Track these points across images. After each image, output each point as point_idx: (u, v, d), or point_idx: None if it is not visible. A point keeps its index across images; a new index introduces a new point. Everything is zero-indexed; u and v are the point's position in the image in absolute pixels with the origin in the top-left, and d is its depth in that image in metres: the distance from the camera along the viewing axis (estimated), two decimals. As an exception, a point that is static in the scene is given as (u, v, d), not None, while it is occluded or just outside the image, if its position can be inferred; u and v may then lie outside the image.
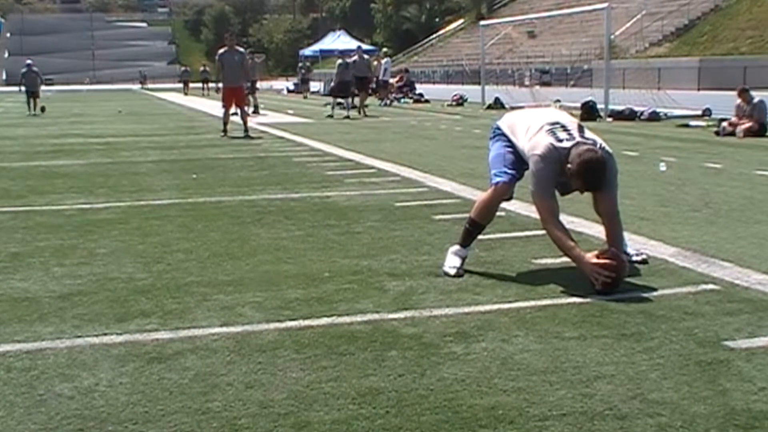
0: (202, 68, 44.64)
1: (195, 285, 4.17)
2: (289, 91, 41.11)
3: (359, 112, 20.09)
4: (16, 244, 5.27)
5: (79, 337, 3.37)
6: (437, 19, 70.17)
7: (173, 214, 6.35)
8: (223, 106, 14.71)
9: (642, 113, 16.45)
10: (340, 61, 21.74)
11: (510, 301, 3.80)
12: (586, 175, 4.03)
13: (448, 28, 65.59)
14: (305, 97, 32.54)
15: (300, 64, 38.11)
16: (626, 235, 4.58)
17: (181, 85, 44.47)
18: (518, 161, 4.36)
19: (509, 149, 4.41)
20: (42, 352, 3.20)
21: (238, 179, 8.41)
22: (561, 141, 4.14)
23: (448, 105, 24.43)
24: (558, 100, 18.94)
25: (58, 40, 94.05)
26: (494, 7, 61.60)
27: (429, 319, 3.54)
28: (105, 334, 3.40)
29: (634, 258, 4.45)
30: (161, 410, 2.63)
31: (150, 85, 61.05)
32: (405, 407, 2.63)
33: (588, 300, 3.79)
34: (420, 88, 31.30)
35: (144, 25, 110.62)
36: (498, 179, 4.36)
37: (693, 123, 15.18)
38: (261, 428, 2.50)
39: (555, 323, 3.47)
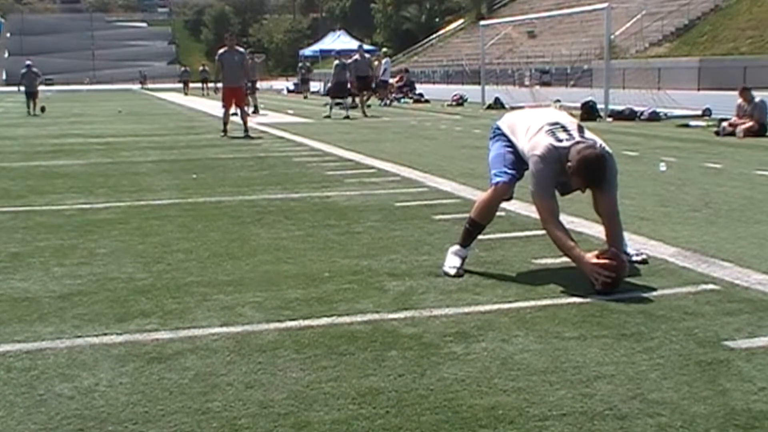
0: (201, 68, 44.65)
1: (195, 285, 4.17)
2: (289, 91, 41.11)
3: (363, 112, 20.01)
4: (16, 244, 5.27)
5: (79, 337, 3.37)
6: (437, 19, 70.18)
7: (173, 214, 6.35)
8: (223, 106, 14.72)
9: (642, 113, 16.45)
10: (337, 62, 21.72)
11: (510, 301, 3.80)
12: (585, 171, 4.03)
13: (448, 28, 65.60)
14: (305, 97, 32.53)
15: (300, 64, 38.13)
16: (626, 235, 4.58)
17: (181, 85, 44.49)
18: (518, 161, 4.36)
19: (509, 149, 4.41)
20: (42, 352, 3.20)
21: (238, 179, 8.41)
22: (561, 141, 4.14)
23: (448, 105, 24.43)
24: (558, 100, 18.94)
25: (58, 40, 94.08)
26: (494, 7, 61.61)
27: (429, 319, 3.54)
28: (105, 334, 3.40)
29: (634, 258, 4.45)
30: (161, 410, 2.63)
31: (150, 85, 61.08)
32: (405, 407, 2.63)
33: (588, 300, 3.79)
34: (420, 88, 31.31)
35: (144, 25, 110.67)
36: (498, 179, 4.36)
37: (693, 123, 15.18)
38: (261, 428, 2.50)
39: (555, 323, 3.47)
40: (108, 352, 3.18)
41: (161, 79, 70.86)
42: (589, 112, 16.72)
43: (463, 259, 4.39)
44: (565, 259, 4.18)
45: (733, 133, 12.45)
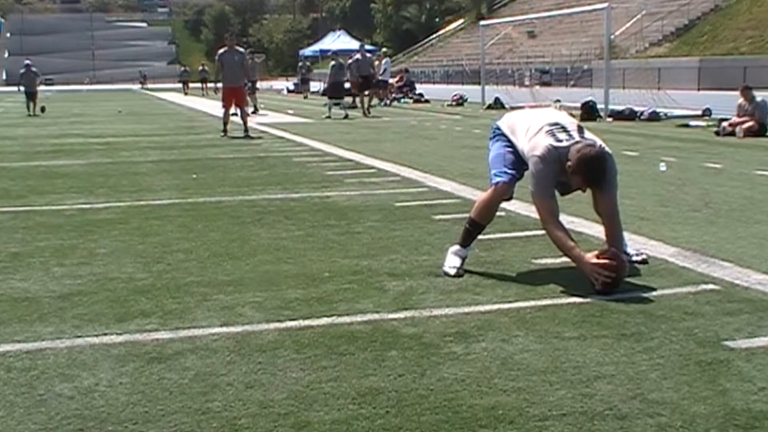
0: (201, 68, 44.67)
1: (195, 285, 4.17)
2: (289, 91, 41.11)
3: (368, 112, 19.93)
4: (16, 244, 5.27)
5: (79, 337, 3.37)
6: (437, 19, 70.19)
7: (173, 214, 6.35)
8: (223, 106, 14.72)
9: (642, 113, 16.45)
10: (333, 62, 21.69)
11: (510, 301, 3.80)
12: (585, 169, 4.03)
13: (448, 28, 65.61)
14: (305, 97, 32.53)
15: (300, 64, 38.13)
16: (626, 235, 4.59)
17: (180, 85, 44.49)
18: (518, 161, 4.36)
19: (509, 149, 4.41)
20: (42, 352, 3.20)
21: (238, 179, 8.41)
22: (560, 141, 4.14)
23: (448, 105, 24.43)
24: (558, 100, 18.94)
25: (58, 40, 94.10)
26: (494, 7, 61.62)
27: (429, 319, 3.54)
28: (105, 334, 3.40)
29: (634, 258, 4.45)
30: (161, 410, 2.64)
31: (150, 85, 61.08)
32: (405, 407, 2.63)
33: (588, 300, 3.79)
34: (420, 88, 31.30)
35: (144, 25, 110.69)
36: (498, 179, 4.36)
37: (693, 123, 15.18)
38: (261, 428, 2.50)
39: (555, 323, 3.47)
40: (108, 352, 3.18)
41: (161, 79, 70.88)
42: (589, 112, 16.72)
43: (463, 259, 4.39)
44: (565, 259, 4.18)
45: (733, 133, 12.44)
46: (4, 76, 78.67)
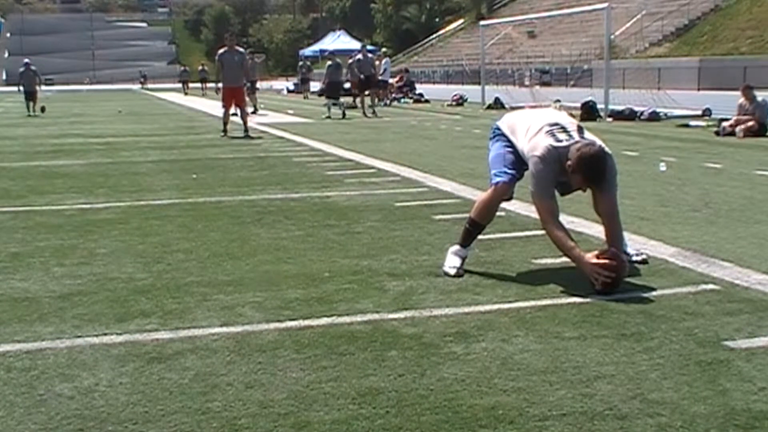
0: (200, 68, 44.68)
1: (195, 285, 4.17)
2: (289, 91, 41.10)
3: (373, 112, 19.89)
4: (16, 244, 5.27)
5: (79, 337, 3.37)
6: (437, 19, 70.18)
7: (173, 214, 6.35)
8: (223, 106, 14.72)
9: (642, 113, 16.45)
10: (330, 62, 21.66)
11: (510, 301, 3.80)
12: (585, 168, 4.03)
13: (448, 28, 65.61)
14: (305, 97, 32.51)
15: (300, 64, 38.08)
16: (626, 235, 4.59)
17: (180, 85, 44.50)
18: (518, 161, 4.36)
19: (509, 149, 4.41)
20: (42, 352, 3.20)
21: (238, 179, 8.41)
22: (560, 141, 4.14)
23: (448, 105, 24.43)
24: (558, 100, 18.94)
25: (58, 40, 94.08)
26: (494, 7, 61.61)
27: (429, 319, 3.54)
28: (105, 334, 3.40)
29: (634, 258, 4.45)
30: (161, 410, 2.64)
31: (150, 85, 61.07)
32: (405, 407, 2.63)
33: (588, 300, 3.79)
34: (420, 88, 31.30)
35: (144, 25, 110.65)
36: (498, 179, 4.36)
37: (693, 123, 15.18)
38: (261, 428, 2.50)
39: (555, 323, 3.47)
40: (108, 352, 3.18)
41: (161, 79, 70.88)
42: (589, 112, 16.72)
43: (463, 259, 4.39)
44: (565, 259, 4.18)
45: (733, 133, 12.43)
46: (4, 76, 78.67)
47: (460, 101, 24.75)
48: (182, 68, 49.43)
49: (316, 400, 2.69)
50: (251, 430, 2.49)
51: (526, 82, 32.54)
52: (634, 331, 3.34)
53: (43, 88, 27.03)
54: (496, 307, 3.72)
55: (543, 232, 4.32)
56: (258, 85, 25.54)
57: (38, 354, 3.18)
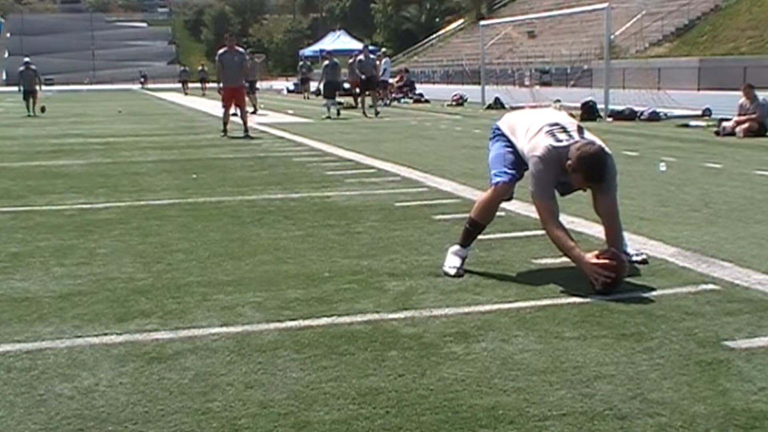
0: (200, 68, 44.69)
1: (195, 285, 4.17)
2: (289, 91, 41.09)
3: (375, 113, 19.88)
4: (16, 244, 5.27)
5: (79, 337, 3.37)
6: (437, 19, 70.20)
7: (173, 214, 6.35)
8: (223, 106, 14.73)
9: (642, 113, 16.45)
10: (326, 61, 21.65)
11: (510, 301, 3.80)
12: (585, 166, 4.03)
13: (448, 28, 65.62)
14: (306, 98, 32.50)
15: (300, 64, 38.08)
16: (626, 235, 4.59)
17: (180, 85, 44.52)
18: (518, 161, 4.36)
19: (509, 149, 4.41)
20: (42, 352, 3.20)
21: (238, 179, 8.41)
22: (560, 141, 4.14)
23: (448, 105, 24.43)
24: (558, 100, 18.94)
25: (58, 40, 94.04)
26: (494, 7, 61.64)
27: (429, 319, 3.54)
28: (105, 334, 3.40)
29: (634, 258, 4.45)
30: (161, 410, 2.64)
31: (150, 85, 61.06)
32: (405, 407, 2.63)
33: (588, 300, 3.79)
34: (420, 88, 31.31)
35: (144, 25, 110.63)
36: (498, 179, 4.36)
37: (693, 123, 15.18)
38: (261, 428, 2.50)
39: (555, 323, 3.47)
40: (108, 352, 3.18)
41: (161, 79, 70.87)
42: (589, 112, 16.72)
43: (463, 259, 4.39)
44: (565, 259, 4.18)
45: (733, 133, 12.43)
46: (4, 76, 78.68)
47: (460, 101, 24.75)
48: (182, 68, 49.44)
49: (316, 400, 2.69)
50: (251, 430, 2.49)
51: (526, 82, 32.56)
52: (634, 331, 3.34)
53: (44, 88, 26.97)
54: (496, 307, 3.72)
55: (543, 232, 4.32)
56: (258, 85, 25.52)
57: (38, 354, 3.18)
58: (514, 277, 4.25)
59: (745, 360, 3.01)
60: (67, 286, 4.17)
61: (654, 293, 3.89)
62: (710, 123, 14.57)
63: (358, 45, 40.84)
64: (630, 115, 16.51)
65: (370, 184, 7.91)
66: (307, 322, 3.51)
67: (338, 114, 19.25)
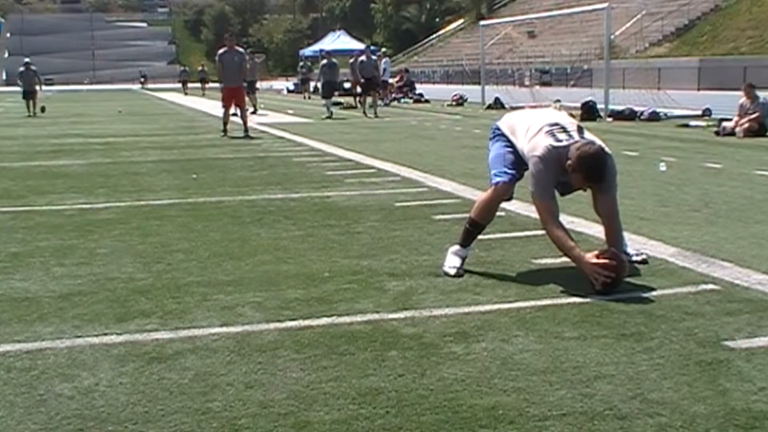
0: (200, 68, 44.68)
1: (195, 285, 4.17)
2: (289, 91, 41.09)
3: (375, 113, 19.88)
4: (16, 244, 5.27)
5: (79, 337, 3.37)
6: (437, 19, 70.20)
7: (173, 214, 6.35)
8: (223, 106, 14.73)
9: (642, 113, 16.45)
10: (324, 60, 21.63)
11: (510, 301, 3.80)
12: (585, 166, 4.03)
13: (448, 28, 65.61)
14: (307, 98, 32.49)
15: (301, 64, 38.10)
16: (626, 235, 4.59)
17: (180, 85, 44.53)
18: (518, 161, 4.36)
19: (509, 149, 4.41)
20: (42, 352, 3.20)
21: (238, 179, 8.41)
22: (560, 141, 4.14)
23: (448, 105, 24.43)
24: (558, 100, 18.94)
25: (58, 40, 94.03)
26: (494, 7, 61.64)
27: (429, 319, 3.54)
28: (105, 334, 3.40)
29: (634, 258, 4.45)
30: (161, 410, 2.64)
31: (150, 85, 61.06)
32: (405, 407, 2.63)
33: (588, 300, 3.79)
34: (420, 88, 31.32)
35: (144, 25, 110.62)
36: (498, 179, 4.36)
37: (693, 123, 15.18)
38: (261, 428, 2.50)
39: (555, 323, 3.47)
40: (108, 352, 3.18)
41: (161, 79, 70.87)
42: (589, 112, 16.72)
43: (463, 259, 4.39)
44: (565, 259, 4.18)
45: (733, 133, 12.43)
46: (4, 76, 78.68)
47: (460, 101, 24.75)
48: (182, 68, 49.44)
49: (316, 400, 2.69)
50: (251, 430, 2.49)
51: (526, 82, 32.56)
52: (634, 331, 3.34)
53: (44, 88, 26.94)
54: (496, 307, 3.72)
55: (543, 232, 4.32)
56: (258, 85, 25.51)
57: (38, 354, 3.18)
58: (514, 277, 4.25)
59: (745, 360, 3.01)
60: (67, 286, 4.17)
61: (654, 293, 3.89)
62: (710, 123, 14.57)
63: (357, 45, 40.82)
64: (630, 115, 16.52)
65: (370, 184, 7.91)
66: (307, 322, 3.52)
67: (330, 115, 19.24)
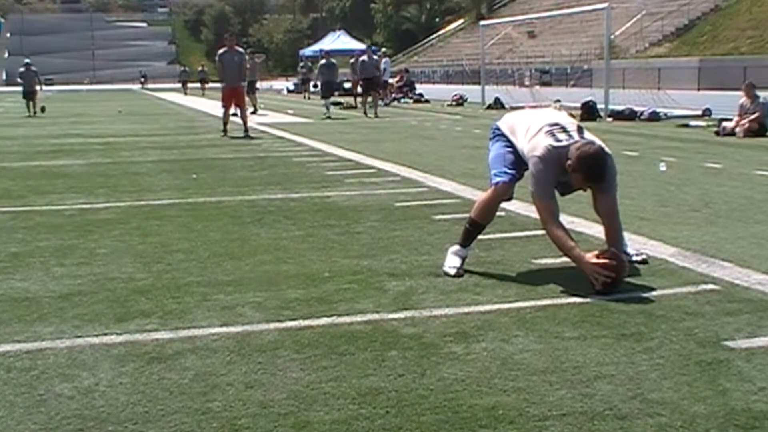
0: (200, 68, 44.68)
1: (195, 285, 4.17)
2: (289, 91, 41.09)
3: (375, 113, 19.87)
4: (16, 244, 5.27)
5: (79, 337, 3.37)
6: (437, 19, 70.21)
7: (173, 214, 6.35)
8: (223, 106, 14.73)
9: (642, 113, 16.45)
10: (323, 60, 21.61)
11: (510, 301, 3.80)
12: (585, 166, 4.03)
13: (448, 28, 65.62)
14: (307, 98, 32.49)
15: (301, 64, 38.13)
16: (626, 235, 4.59)
17: (180, 85, 44.54)
18: (518, 161, 4.36)
19: (509, 149, 4.41)
20: (42, 352, 3.20)
21: (238, 179, 8.41)
22: (560, 141, 4.14)
23: (448, 105, 24.43)
24: (558, 100, 18.94)
25: (58, 40, 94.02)
26: (494, 7, 61.64)
27: (429, 319, 3.54)
28: (105, 334, 3.40)
29: (634, 258, 4.45)
30: (161, 410, 2.64)
31: (150, 85, 61.05)
32: (405, 407, 2.63)
33: (588, 300, 3.79)
34: (420, 88, 31.31)
35: (144, 25, 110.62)
36: (498, 179, 4.36)
37: (693, 123, 15.18)
38: (261, 428, 2.50)
39: (555, 323, 3.47)
40: (108, 352, 3.19)
41: (161, 79, 70.86)
42: (589, 112, 16.72)
43: (463, 259, 4.39)
44: (565, 259, 4.18)
45: (733, 133, 12.43)
46: (4, 76, 78.68)
47: (460, 101, 24.75)
48: (182, 68, 49.44)
49: (316, 400, 2.69)
50: (251, 430, 2.49)
51: (526, 82, 32.56)
52: (634, 331, 3.34)
53: (44, 88, 26.94)
54: (496, 307, 3.72)
55: (543, 232, 4.32)
56: (258, 85, 25.51)
57: (38, 354, 3.18)
58: (514, 277, 4.25)
59: (745, 360, 3.01)
60: (67, 286, 4.17)
61: (654, 293, 3.89)
62: (710, 123, 14.57)
63: (357, 45, 40.81)
64: (630, 115, 16.52)
65: (370, 184, 7.91)
66: (307, 322, 3.52)
67: (329, 115, 19.25)
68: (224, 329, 3.44)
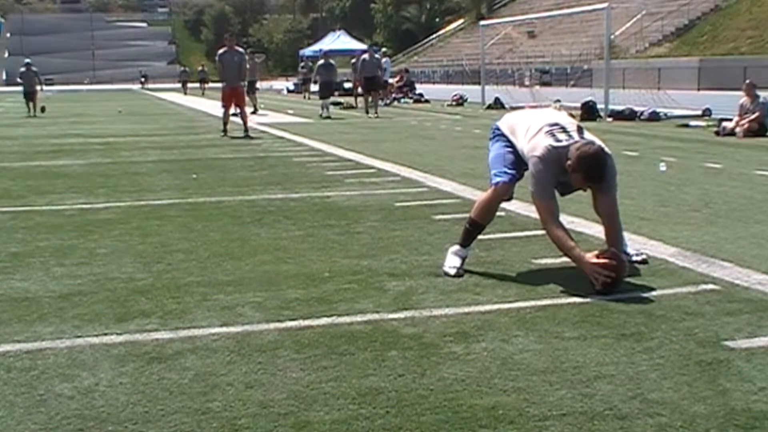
0: (200, 68, 44.69)
1: (195, 285, 4.17)
2: (289, 91, 41.08)
3: (375, 112, 19.83)
4: (16, 244, 5.27)
5: (79, 337, 3.37)
6: (437, 19, 70.22)
7: (173, 214, 6.35)
8: (223, 106, 14.73)
9: (642, 113, 16.45)
10: (322, 61, 21.61)
11: (510, 301, 3.80)
12: (585, 166, 4.03)
13: (448, 28, 65.62)
14: (307, 98, 32.46)
15: (302, 64, 38.12)
16: (626, 235, 4.59)
17: (180, 85, 44.55)
18: (518, 161, 4.36)
19: (509, 149, 4.41)
20: (42, 352, 3.20)
21: (238, 179, 8.41)
22: (560, 141, 4.14)
23: (448, 105, 24.43)
24: (558, 100, 18.94)
25: (58, 40, 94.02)
26: (494, 7, 61.65)
27: (429, 319, 3.54)
28: (105, 334, 3.40)
29: (634, 258, 4.45)
30: (161, 410, 2.64)
31: (150, 85, 61.05)
32: (405, 407, 2.63)
33: (588, 300, 3.79)
34: (420, 88, 31.30)
35: (144, 25, 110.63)
36: (498, 179, 4.36)
37: (693, 123, 15.18)
38: (261, 428, 2.50)
39: (555, 323, 3.47)
40: (108, 352, 3.19)
41: (161, 79, 70.86)
42: (589, 112, 16.72)
43: (463, 259, 4.39)
44: (565, 259, 4.18)
45: (733, 133, 12.43)
46: (4, 76, 78.67)
47: (460, 101, 24.75)
48: (182, 68, 49.45)
49: (316, 400, 2.69)
50: (251, 430, 2.49)
51: (526, 82, 32.55)
52: (634, 331, 3.34)
53: (44, 88, 26.94)
54: (496, 307, 3.72)
55: (543, 232, 4.32)
56: (258, 85, 25.51)
57: (38, 354, 3.18)
58: (514, 277, 4.25)
59: (745, 360, 3.01)
60: (67, 286, 4.17)
61: (654, 293, 3.89)
62: (710, 123, 14.57)
63: (357, 45, 40.80)
64: (630, 115, 16.52)
65: (370, 184, 7.91)
66: (307, 322, 3.52)
67: (328, 116, 19.25)
68: (224, 329, 3.44)
